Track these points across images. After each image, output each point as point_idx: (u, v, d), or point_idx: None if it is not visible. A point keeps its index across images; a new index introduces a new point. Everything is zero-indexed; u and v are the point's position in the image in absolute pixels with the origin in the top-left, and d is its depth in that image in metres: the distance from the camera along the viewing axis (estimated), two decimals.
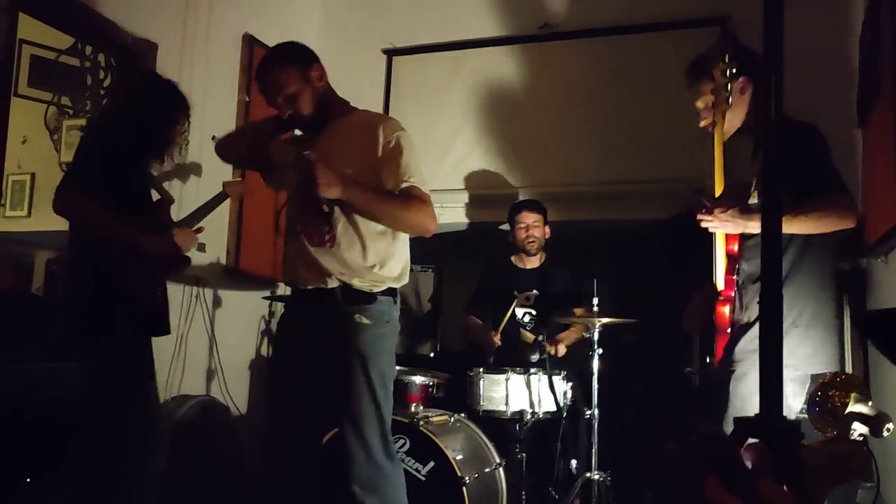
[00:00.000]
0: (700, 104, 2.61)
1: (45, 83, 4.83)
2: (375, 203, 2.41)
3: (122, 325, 2.64)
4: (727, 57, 2.44)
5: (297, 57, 2.51)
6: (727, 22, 4.14)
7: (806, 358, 2.38)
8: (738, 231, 2.46)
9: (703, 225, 2.48)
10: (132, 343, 2.69)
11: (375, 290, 2.48)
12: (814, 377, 2.37)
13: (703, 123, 2.60)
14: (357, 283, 2.46)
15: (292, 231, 2.56)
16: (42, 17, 3.75)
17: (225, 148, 2.77)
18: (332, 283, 2.45)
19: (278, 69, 2.47)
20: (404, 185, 2.44)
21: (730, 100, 2.45)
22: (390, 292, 2.52)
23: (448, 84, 4.80)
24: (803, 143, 2.41)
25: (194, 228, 3.08)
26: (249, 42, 4.39)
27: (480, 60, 4.74)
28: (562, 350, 3.94)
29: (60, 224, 5.03)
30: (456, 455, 3.20)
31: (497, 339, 3.99)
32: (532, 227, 4.13)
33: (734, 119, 2.54)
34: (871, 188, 3.15)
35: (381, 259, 2.49)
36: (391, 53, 4.94)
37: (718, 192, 2.49)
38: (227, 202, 3.64)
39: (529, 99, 4.64)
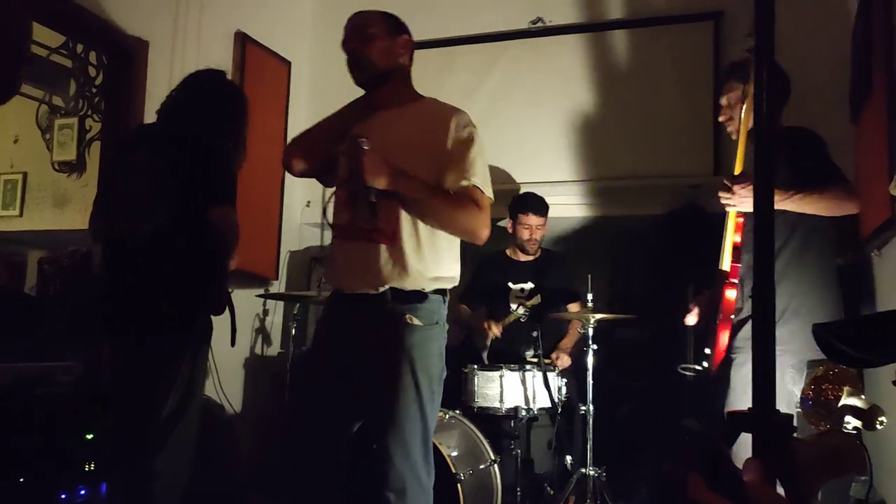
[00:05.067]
0: (724, 101, 2.82)
1: (38, 81, 4.82)
2: (425, 198, 2.25)
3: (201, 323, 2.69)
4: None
5: (392, 18, 2.49)
6: (720, 17, 4.15)
7: (805, 344, 2.43)
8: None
9: (723, 202, 2.61)
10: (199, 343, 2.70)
11: (427, 289, 2.32)
12: (810, 363, 2.42)
13: (722, 118, 2.83)
14: (409, 284, 2.29)
15: (338, 229, 2.38)
16: (32, 15, 3.72)
17: (304, 149, 2.48)
18: (382, 289, 2.27)
19: (369, 14, 2.46)
20: (464, 183, 2.28)
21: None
22: (441, 291, 2.36)
23: (440, 80, 4.78)
24: (805, 145, 2.63)
25: None
26: (242, 40, 4.37)
27: (473, 56, 4.73)
28: (566, 361, 3.93)
29: (52, 223, 5.05)
30: (451, 452, 3.20)
31: (497, 330, 3.96)
32: (536, 229, 4.10)
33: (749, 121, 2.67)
34: (864, 183, 3.15)
35: (438, 258, 2.34)
36: None
37: (738, 171, 2.59)
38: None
39: (522, 95, 4.63)
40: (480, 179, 2.31)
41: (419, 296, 2.30)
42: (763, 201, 0.92)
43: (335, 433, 2.36)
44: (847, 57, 3.58)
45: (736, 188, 2.54)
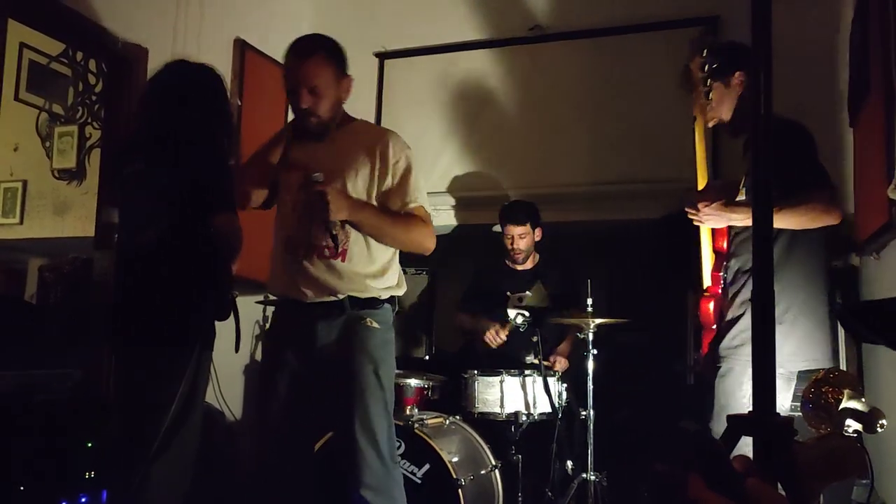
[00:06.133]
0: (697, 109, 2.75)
1: (38, 88, 4.83)
2: (382, 224, 2.44)
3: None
4: (704, 52, 2.51)
5: (339, 60, 2.48)
6: (716, 21, 4.16)
7: (790, 355, 2.38)
8: (721, 224, 2.51)
9: (690, 217, 2.56)
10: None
11: (382, 297, 2.50)
12: (801, 374, 2.38)
13: (710, 123, 2.71)
14: (365, 293, 2.47)
15: (290, 246, 2.51)
16: (32, 23, 3.73)
17: (254, 184, 2.63)
18: (341, 296, 2.44)
19: (318, 59, 2.41)
20: (411, 206, 2.48)
21: (709, 95, 2.53)
22: (391, 300, 2.55)
23: (439, 86, 4.80)
24: (790, 139, 2.45)
25: None
26: (241, 46, 4.38)
27: (471, 63, 4.74)
28: (563, 364, 3.93)
29: (53, 231, 5.05)
30: (451, 457, 3.20)
31: (504, 334, 3.92)
32: (518, 239, 4.07)
33: (722, 112, 2.61)
34: (862, 186, 3.16)
35: (385, 269, 2.52)
36: (383, 56, 4.94)
37: (701, 186, 2.55)
38: None
39: (520, 101, 4.64)
40: (422, 199, 2.52)
41: (375, 302, 2.48)
42: (762, 207, 0.92)
43: (306, 436, 2.53)
44: (844, 60, 3.59)
45: (701, 206, 2.49)
